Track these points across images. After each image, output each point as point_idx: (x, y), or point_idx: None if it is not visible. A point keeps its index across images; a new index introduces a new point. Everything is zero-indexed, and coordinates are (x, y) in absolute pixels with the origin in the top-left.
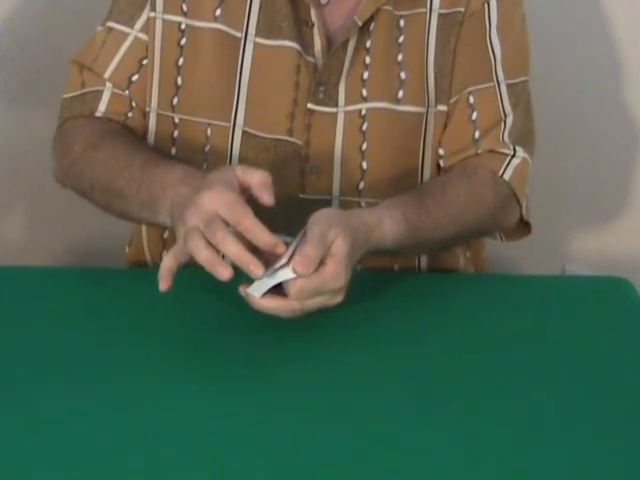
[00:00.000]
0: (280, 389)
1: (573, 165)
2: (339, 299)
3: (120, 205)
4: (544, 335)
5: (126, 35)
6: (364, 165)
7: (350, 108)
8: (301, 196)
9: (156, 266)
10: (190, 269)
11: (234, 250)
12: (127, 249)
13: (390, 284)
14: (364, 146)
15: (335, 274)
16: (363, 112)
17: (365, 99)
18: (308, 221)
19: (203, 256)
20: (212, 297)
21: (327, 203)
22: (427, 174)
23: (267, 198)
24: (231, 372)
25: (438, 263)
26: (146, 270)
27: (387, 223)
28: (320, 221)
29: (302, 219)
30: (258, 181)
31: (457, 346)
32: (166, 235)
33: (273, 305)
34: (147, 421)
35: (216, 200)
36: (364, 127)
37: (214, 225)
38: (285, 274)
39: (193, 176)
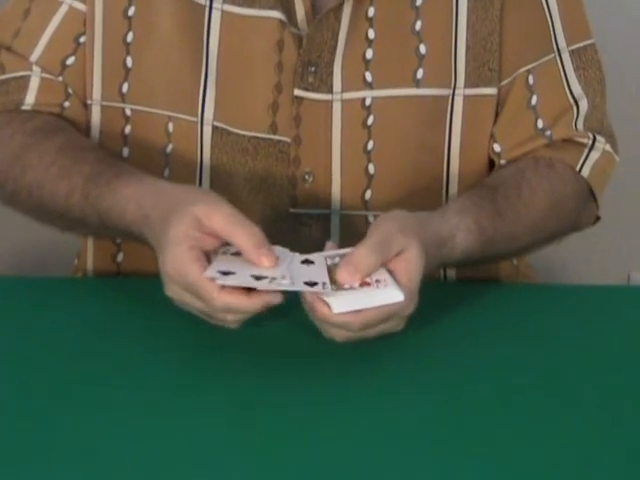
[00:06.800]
0: (290, 420)
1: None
2: (399, 327)
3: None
4: (608, 355)
5: (57, 4)
6: (371, 169)
7: (349, 96)
8: (291, 210)
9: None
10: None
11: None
12: (76, 261)
13: None
14: (370, 144)
15: (409, 295)
16: (367, 102)
17: (370, 85)
18: (374, 221)
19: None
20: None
21: (325, 218)
22: (454, 174)
23: (269, 261)
24: (240, 399)
25: (470, 270)
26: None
27: (460, 236)
28: (387, 222)
29: (293, 241)
30: (250, 245)
31: (498, 374)
32: (120, 258)
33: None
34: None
35: (180, 275)
36: (369, 121)
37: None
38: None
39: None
